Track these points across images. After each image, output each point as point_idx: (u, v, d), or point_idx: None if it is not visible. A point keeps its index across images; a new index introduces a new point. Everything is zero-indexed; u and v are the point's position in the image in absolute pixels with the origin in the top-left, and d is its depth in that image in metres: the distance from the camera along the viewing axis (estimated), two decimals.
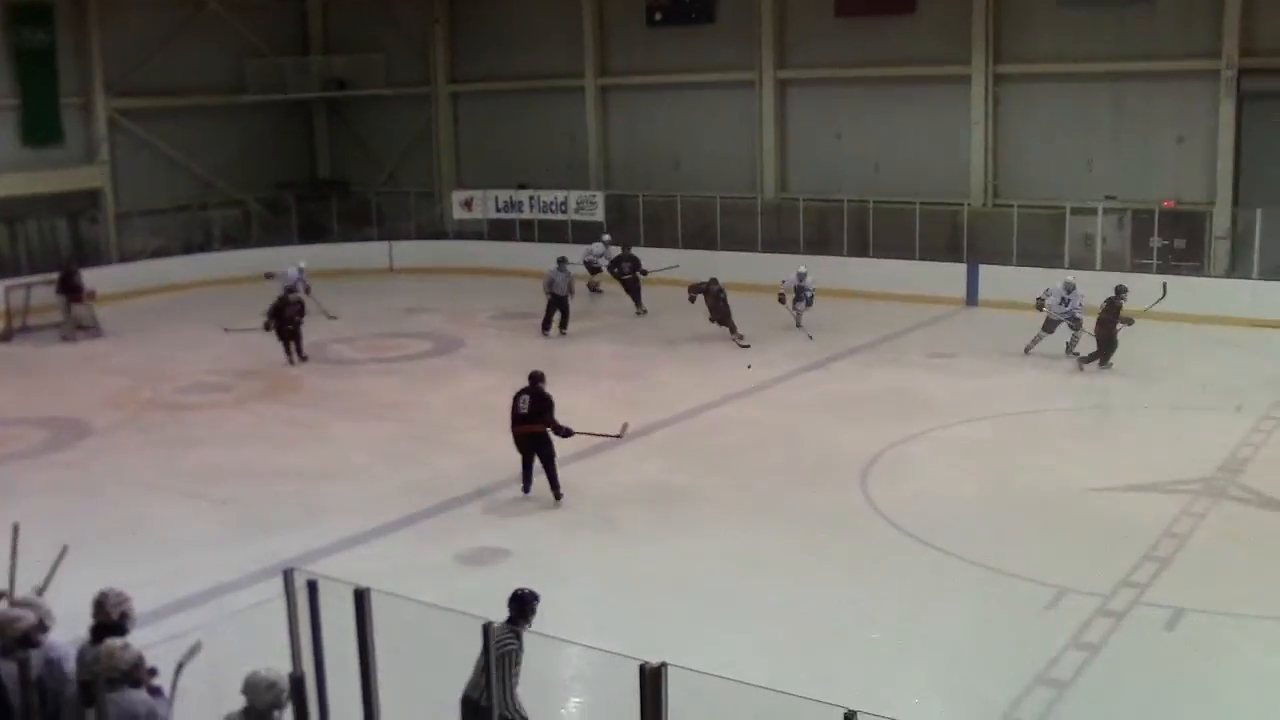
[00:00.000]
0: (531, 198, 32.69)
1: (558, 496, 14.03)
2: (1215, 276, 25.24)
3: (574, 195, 32.34)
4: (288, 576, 6.44)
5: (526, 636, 7.92)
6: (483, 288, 29.21)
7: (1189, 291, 23.22)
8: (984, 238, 27.58)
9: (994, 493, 14.36)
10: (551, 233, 32.07)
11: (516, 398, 14.02)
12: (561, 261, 24.05)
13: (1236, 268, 25.21)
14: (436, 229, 34.28)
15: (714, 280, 22.69)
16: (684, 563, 12.23)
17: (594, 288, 27.36)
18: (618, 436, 14.85)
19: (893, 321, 24.47)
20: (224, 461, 16.10)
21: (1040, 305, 20.59)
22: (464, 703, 7.72)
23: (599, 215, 31.78)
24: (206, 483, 15.13)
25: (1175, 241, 26.12)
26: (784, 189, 30.93)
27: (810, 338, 22.50)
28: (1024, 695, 9.46)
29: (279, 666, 6.23)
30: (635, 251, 26.79)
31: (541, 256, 29.57)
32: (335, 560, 12.08)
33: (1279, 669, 10.03)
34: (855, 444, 16.15)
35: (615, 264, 26.26)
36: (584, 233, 30.69)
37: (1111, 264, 25.96)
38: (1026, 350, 20.69)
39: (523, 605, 8.11)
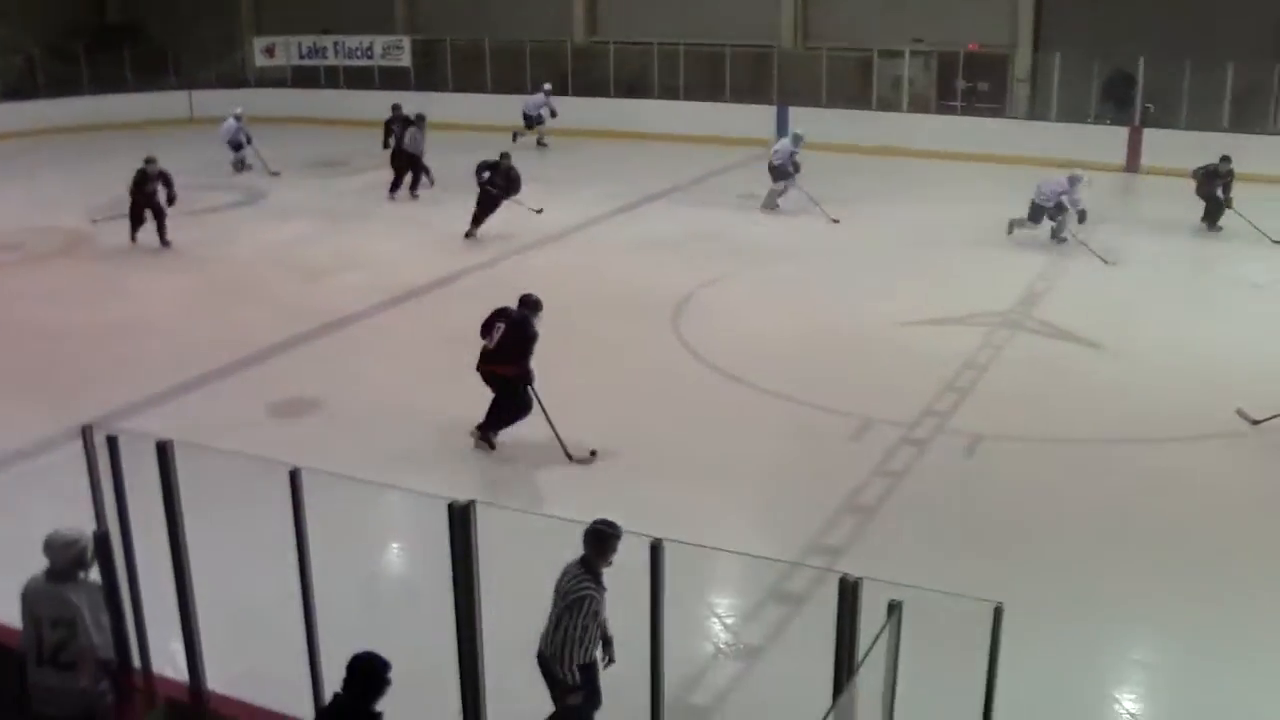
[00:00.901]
0: (336, 44, 31.69)
1: (490, 445, 11.06)
2: (1015, 119, 25.95)
3: (379, 40, 31.47)
4: (86, 433, 6.24)
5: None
6: (288, 136, 28.28)
7: (990, 133, 23.92)
8: (794, 80, 27.77)
9: (803, 330, 14.63)
10: (358, 80, 31.21)
11: (489, 323, 10.84)
12: (419, 119, 22.29)
13: (1036, 110, 25.95)
14: (238, 78, 33.02)
15: (505, 156, 19.36)
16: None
17: (539, 142, 26.83)
18: (585, 460, 10.90)
19: (702, 164, 24.56)
20: (22, 319, 15.43)
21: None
22: (539, 659, 6.49)
23: (405, 61, 31.01)
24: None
25: (979, 85, 26.74)
26: (594, 33, 30.57)
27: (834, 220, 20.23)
28: (831, 523, 9.77)
29: (86, 527, 6.08)
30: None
31: (350, 105, 28.79)
32: (144, 418, 11.73)
33: (1071, 491, 10.54)
34: (664, 285, 16.26)
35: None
36: (392, 79, 29.94)
37: (918, 106, 26.49)
38: (1010, 231, 18.97)
39: (601, 542, 6.37)
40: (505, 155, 19.36)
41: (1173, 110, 24.38)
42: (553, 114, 26.60)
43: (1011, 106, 26.39)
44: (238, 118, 24.33)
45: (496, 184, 18.79)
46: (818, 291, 16.40)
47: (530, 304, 10.87)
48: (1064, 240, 18.49)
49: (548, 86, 27.13)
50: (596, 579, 6.37)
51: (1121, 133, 24.33)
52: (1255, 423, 11.59)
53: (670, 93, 28.31)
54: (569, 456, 10.77)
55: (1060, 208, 18.39)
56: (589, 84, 29.01)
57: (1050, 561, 9.18)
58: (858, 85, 27.28)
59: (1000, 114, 26.17)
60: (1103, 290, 16.35)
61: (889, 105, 26.77)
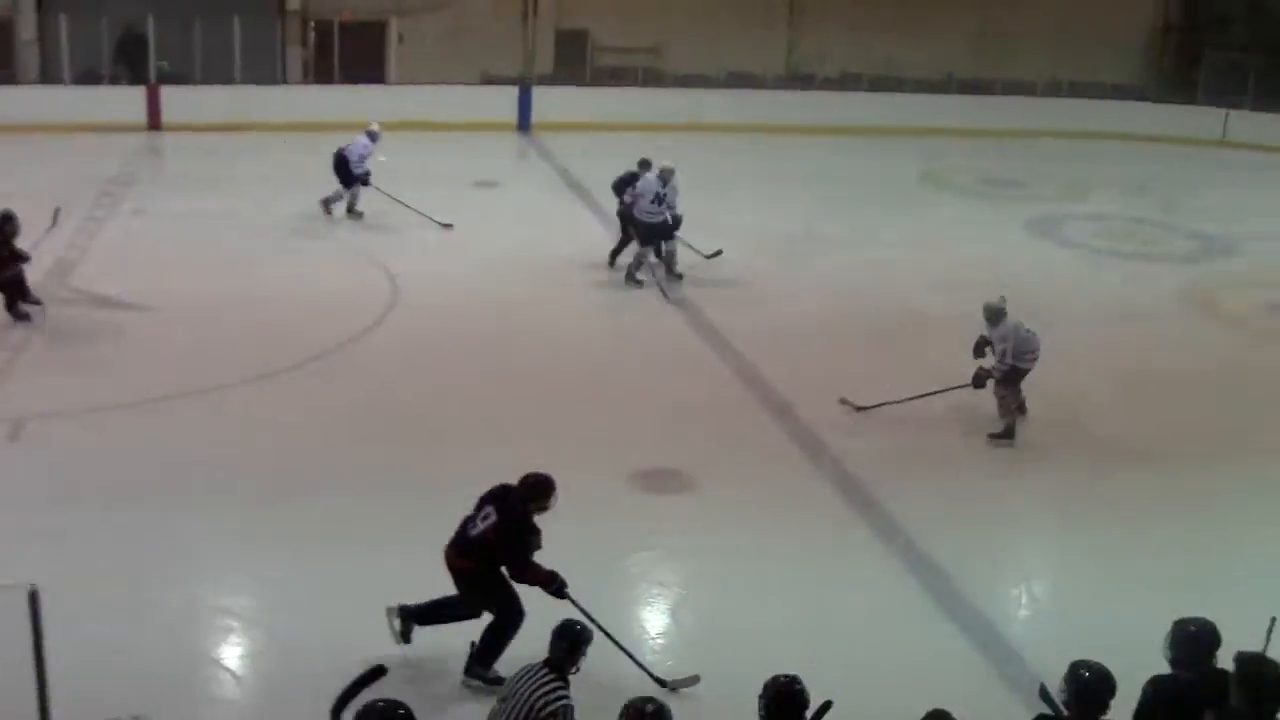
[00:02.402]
0: None
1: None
2: (27, 84, 24.75)
3: None
4: None
5: None
6: None
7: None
8: None
9: None
10: None
11: (480, 501, 7.68)
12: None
13: (47, 74, 24.93)
14: None
15: None
16: None
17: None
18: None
19: None
20: None
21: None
22: None
23: None
24: None
25: None
26: None
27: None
28: None
29: None
30: None
31: None
32: None
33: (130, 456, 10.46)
34: None
35: None
36: None
37: None
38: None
39: (575, 646, 6.08)
40: None
41: (188, 66, 24.76)
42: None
43: (22, 72, 25.10)
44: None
45: None
46: None
47: (542, 485, 7.62)
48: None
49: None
50: (567, 684, 5.91)
51: (138, 92, 24.15)
52: (861, 409, 11.99)
53: None
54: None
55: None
56: None
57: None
58: None
59: (10, 81, 24.77)
60: (141, 249, 16.25)
61: None
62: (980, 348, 11.58)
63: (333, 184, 17.94)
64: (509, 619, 7.54)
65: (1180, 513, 10.54)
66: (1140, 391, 13.15)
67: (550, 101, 25.39)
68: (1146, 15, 29.57)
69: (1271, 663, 5.69)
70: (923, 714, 5.45)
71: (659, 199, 15.30)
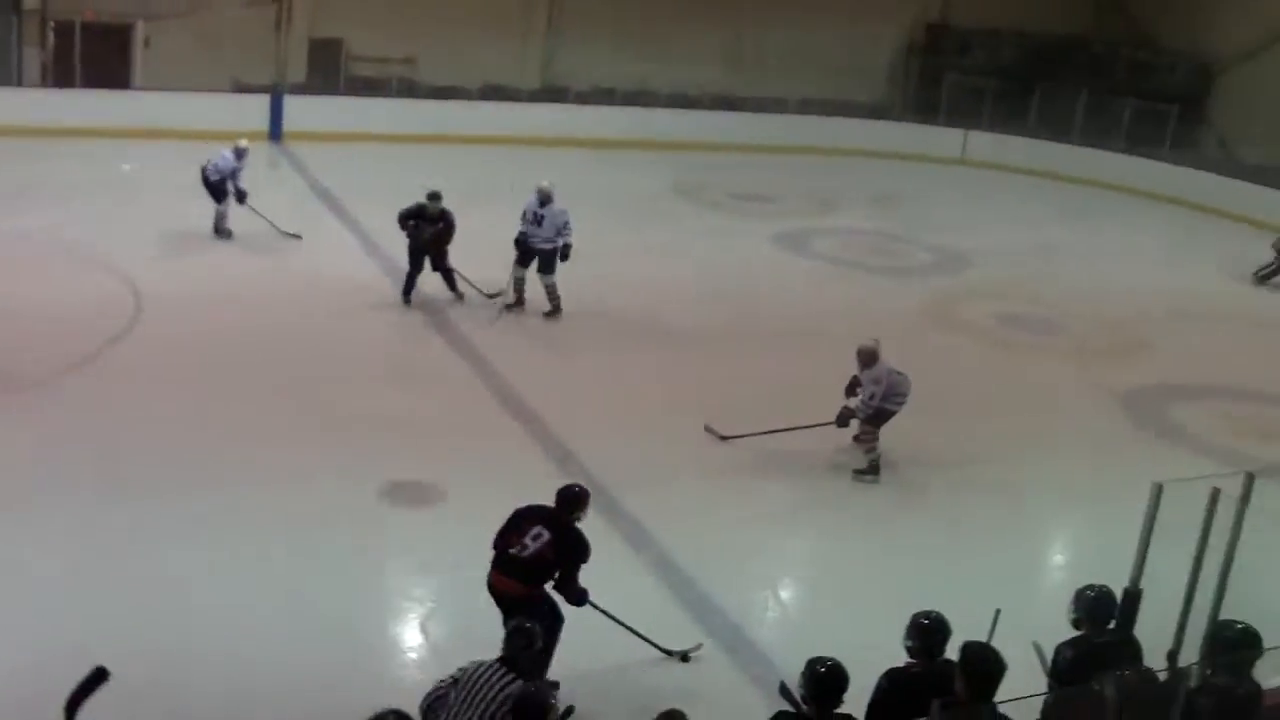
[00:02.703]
0: None
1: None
2: None
3: None
4: None
5: None
6: None
7: None
8: None
9: None
10: None
11: (517, 522, 7.71)
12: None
13: None
14: None
15: None
16: None
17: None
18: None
19: None
20: None
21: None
22: None
23: None
24: None
25: None
26: None
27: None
28: None
29: None
30: None
31: None
32: None
33: None
34: None
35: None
36: None
37: None
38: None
39: (530, 644, 6.27)
40: None
41: None
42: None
43: None
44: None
45: None
46: None
47: (578, 499, 7.85)
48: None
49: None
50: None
51: None
52: (725, 438, 11.98)
53: None
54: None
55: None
56: None
57: None
58: None
59: None
60: None
61: None
62: (852, 388, 11.83)
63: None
64: (558, 628, 7.64)
65: (919, 518, 10.99)
66: None
67: (303, 111, 24.82)
68: (893, 38, 30.78)
69: (993, 650, 6.03)
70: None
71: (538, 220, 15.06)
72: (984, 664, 5.94)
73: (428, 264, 15.12)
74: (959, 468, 12.05)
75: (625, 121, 26.76)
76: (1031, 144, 28.46)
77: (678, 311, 15.81)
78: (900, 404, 11.68)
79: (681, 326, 15.25)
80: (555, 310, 15.30)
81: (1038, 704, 6.10)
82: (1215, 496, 7.40)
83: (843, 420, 11.69)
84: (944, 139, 28.90)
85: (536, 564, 7.54)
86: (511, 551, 7.59)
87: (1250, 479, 7.42)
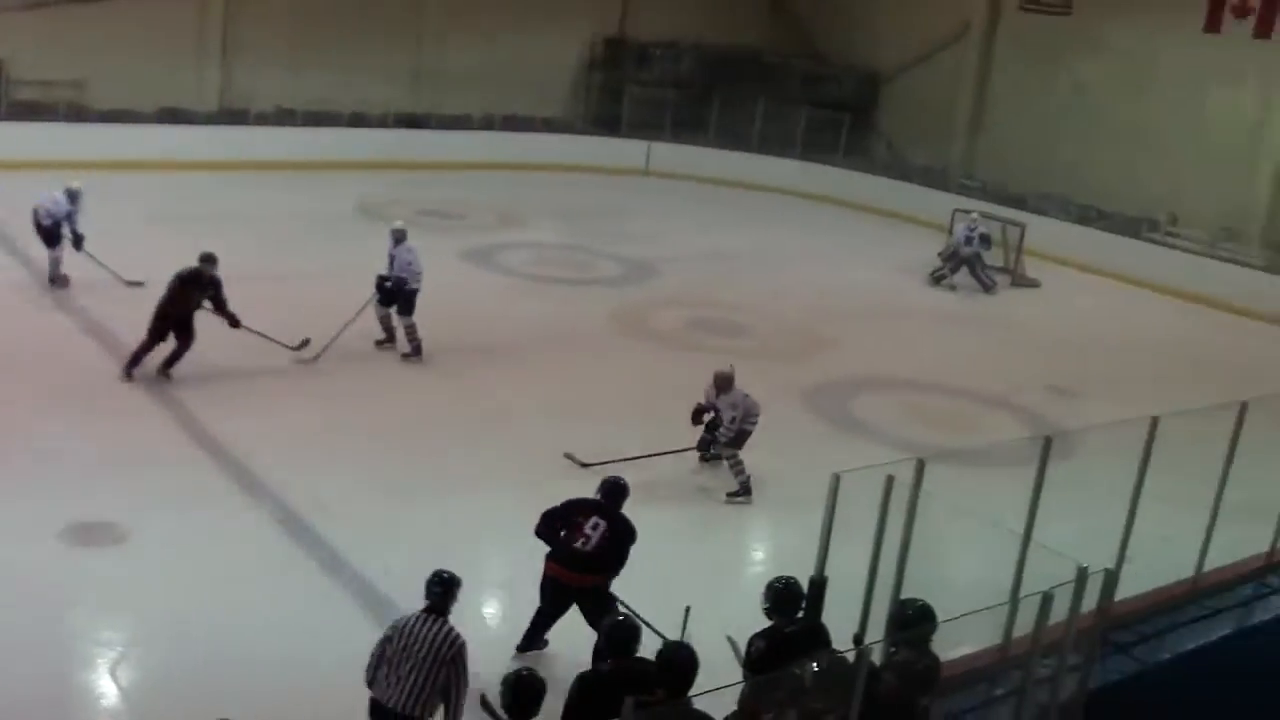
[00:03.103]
0: None
1: None
2: None
3: None
4: None
5: None
6: None
7: None
8: None
9: None
10: None
11: (570, 513, 8.52)
12: None
13: None
14: None
15: None
16: None
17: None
18: None
19: None
20: None
21: None
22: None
23: None
24: None
25: None
26: None
27: None
28: None
29: None
30: None
31: None
32: None
33: None
34: None
35: None
36: None
37: None
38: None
39: (449, 590, 6.83)
40: None
41: None
42: None
43: None
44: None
45: None
46: None
47: (620, 489, 8.78)
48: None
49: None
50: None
51: None
52: (585, 466, 11.81)
53: None
54: None
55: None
56: None
57: None
58: None
59: None
60: None
61: None
62: (699, 414, 11.99)
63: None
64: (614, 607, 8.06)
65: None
66: (577, 410, 13.75)
67: None
68: (573, 53, 31.08)
69: (686, 647, 6.18)
70: None
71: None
72: (677, 661, 6.05)
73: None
74: (649, 468, 12.15)
75: (308, 142, 25.96)
76: (712, 153, 29.30)
77: (363, 331, 15.52)
78: (755, 424, 11.97)
79: (368, 347, 14.97)
80: (415, 352, 14.80)
81: (736, 693, 6.26)
82: (890, 484, 7.77)
83: (703, 445, 12.15)
84: (628, 151, 29.36)
85: (599, 556, 8.30)
86: (576, 546, 8.32)
87: (921, 465, 7.81)
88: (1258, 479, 10.35)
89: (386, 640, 6.73)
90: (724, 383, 11.95)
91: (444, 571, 6.85)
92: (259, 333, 14.04)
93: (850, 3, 31.71)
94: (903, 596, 7.37)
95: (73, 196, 16.00)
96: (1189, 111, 25.21)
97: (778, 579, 7.18)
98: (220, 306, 13.63)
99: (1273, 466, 10.54)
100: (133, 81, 25.06)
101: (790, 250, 23.36)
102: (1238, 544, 10.49)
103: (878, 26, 30.98)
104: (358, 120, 27.28)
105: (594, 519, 8.39)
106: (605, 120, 30.70)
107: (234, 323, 13.70)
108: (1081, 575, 7.16)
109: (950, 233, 23.25)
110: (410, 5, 28.16)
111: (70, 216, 15.96)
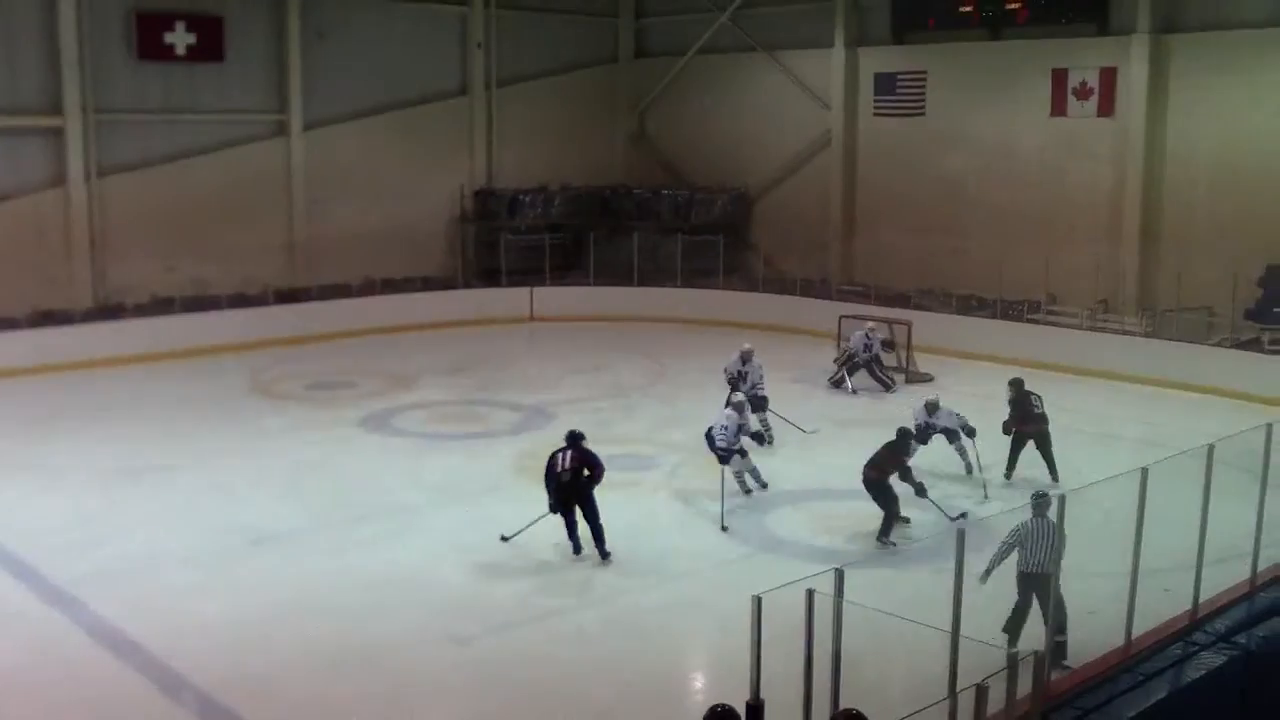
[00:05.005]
0: None
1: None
2: None
3: None
4: None
5: None
6: None
7: None
8: None
9: None
10: None
11: (552, 465, 13.80)
12: None
13: None
14: None
15: None
16: None
17: None
18: None
19: None
20: None
21: None
22: None
23: None
24: None
25: None
26: None
27: None
28: None
29: None
30: None
31: None
32: None
33: None
34: None
35: None
36: None
37: None
38: None
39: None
40: None
41: None
42: None
43: None
44: None
45: None
46: None
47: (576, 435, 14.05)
48: None
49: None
50: None
51: None
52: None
53: None
54: None
55: None
56: None
57: None
58: None
59: None
60: None
61: None
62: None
63: None
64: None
65: None
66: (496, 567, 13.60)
67: None
68: (444, 208, 31.22)
69: None
70: None
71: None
72: None
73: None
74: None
75: (188, 329, 25.68)
76: (594, 291, 29.58)
77: (276, 511, 15.26)
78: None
79: (277, 528, 14.72)
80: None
81: None
82: (810, 598, 7.73)
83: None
84: (510, 299, 29.49)
85: (574, 471, 13.53)
86: (559, 473, 13.55)
87: (840, 574, 7.80)
88: (1165, 542, 10.50)
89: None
90: (747, 355, 18.00)
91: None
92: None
93: (708, 130, 32.47)
94: (841, 707, 7.28)
95: None
96: (1051, 191, 26.12)
97: (715, 706, 7.06)
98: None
99: (1177, 528, 10.67)
100: (2, 287, 24.60)
101: (686, 378, 23.36)
102: (1161, 604, 10.60)
103: (740, 148, 31.73)
104: (239, 300, 26.98)
105: (565, 453, 13.62)
106: (484, 271, 30.85)
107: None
108: (1012, 661, 7.15)
109: (839, 338, 23.57)
110: (277, 179, 28.26)
111: None
